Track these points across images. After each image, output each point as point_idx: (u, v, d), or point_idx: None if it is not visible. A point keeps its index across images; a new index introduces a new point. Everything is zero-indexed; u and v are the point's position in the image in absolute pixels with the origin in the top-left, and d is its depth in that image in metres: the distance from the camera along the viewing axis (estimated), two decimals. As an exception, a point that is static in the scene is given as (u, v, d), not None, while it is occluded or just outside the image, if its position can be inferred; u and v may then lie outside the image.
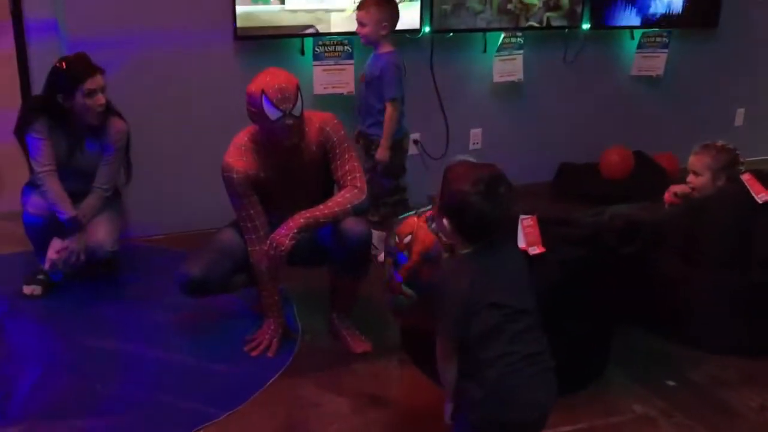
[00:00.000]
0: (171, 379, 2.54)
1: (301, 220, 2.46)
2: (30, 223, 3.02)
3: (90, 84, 2.91)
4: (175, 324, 2.90)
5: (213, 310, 2.95)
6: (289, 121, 2.44)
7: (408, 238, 2.01)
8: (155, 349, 2.71)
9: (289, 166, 2.59)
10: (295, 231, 2.44)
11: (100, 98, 2.94)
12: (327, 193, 2.69)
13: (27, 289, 3.10)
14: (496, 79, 4.25)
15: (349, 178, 2.59)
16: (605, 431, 2.32)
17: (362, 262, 2.62)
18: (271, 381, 2.52)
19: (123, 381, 2.52)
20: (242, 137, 2.60)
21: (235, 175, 2.54)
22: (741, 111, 5.17)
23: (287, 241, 2.43)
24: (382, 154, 3.36)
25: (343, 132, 2.63)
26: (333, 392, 2.49)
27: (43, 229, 2.99)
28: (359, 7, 3.37)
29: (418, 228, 2.02)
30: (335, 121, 2.63)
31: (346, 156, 2.61)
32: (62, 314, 2.98)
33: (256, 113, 2.47)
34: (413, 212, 2.24)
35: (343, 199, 2.55)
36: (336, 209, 2.52)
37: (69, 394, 2.44)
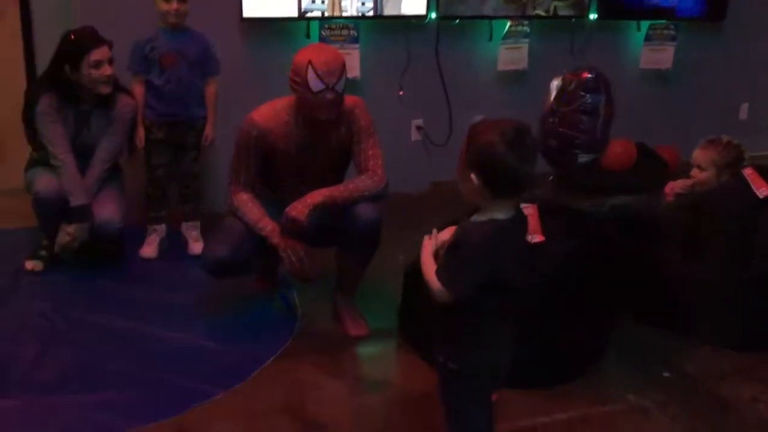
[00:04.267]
0: (170, 356, 2.56)
1: (320, 198, 2.46)
2: (41, 200, 3.00)
3: (96, 54, 2.91)
4: (175, 303, 2.91)
5: (212, 290, 2.96)
6: (330, 96, 2.44)
7: None
8: (155, 326, 2.72)
9: (315, 144, 2.58)
10: (312, 207, 2.44)
11: (106, 69, 2.94)
12: (341, 178, 2.69)
13: (29, 265, 3.11)
14: (501, 67, 4.25)
15: (371, 163, 2.59)
16: (599, 420, 2.33)
17: (371, 245, 2.63)
18: (269, 362, 2.54)
19: (122, 358, 2.54)
20: (280, 103, 2.59)
21: (255, 133, 2.53)
22: (745, 105, 5.16)
23: (303, 217, 2.42)
24: (213, 131, 3.32)
25: (371, 117, 2.63)
26: (331, 375, 2.51)
27: (54, 207, 2.99)
28: None
29: None
30: (364, 105, 2.64)
31: (371, 141, 2.61)
32: (63, 290, 3.00)
33: (298, 83, 2.47)
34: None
35: (362, 183, 2.56)
36: (355, 193, 2.52)
37: (68, 370, 2.46)
